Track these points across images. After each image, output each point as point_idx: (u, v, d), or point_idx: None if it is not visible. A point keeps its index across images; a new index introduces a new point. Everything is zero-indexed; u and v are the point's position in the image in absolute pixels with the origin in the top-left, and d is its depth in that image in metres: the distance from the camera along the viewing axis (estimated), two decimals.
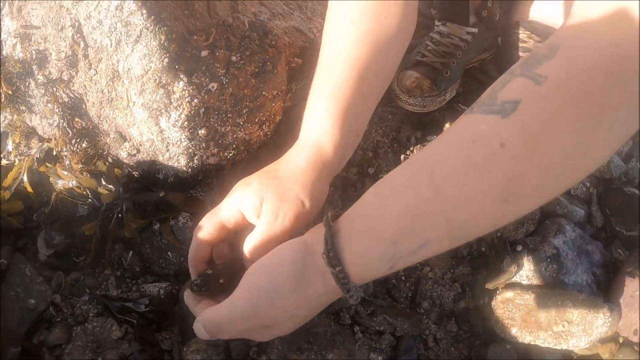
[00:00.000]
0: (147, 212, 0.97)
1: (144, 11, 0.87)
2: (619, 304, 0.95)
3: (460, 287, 1.01)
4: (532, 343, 0.91)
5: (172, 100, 0.91)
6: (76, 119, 1.08)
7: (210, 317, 0.61)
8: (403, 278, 1.04)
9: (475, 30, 1.04)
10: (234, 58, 0.95)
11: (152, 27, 0.87)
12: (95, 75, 1.00)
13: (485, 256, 1.02)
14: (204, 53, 0.91)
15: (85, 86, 1.03)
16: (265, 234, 0.67)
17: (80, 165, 1.00)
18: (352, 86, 0.68)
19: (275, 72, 0.99)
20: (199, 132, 0.95)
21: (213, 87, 0.92)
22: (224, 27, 0.96)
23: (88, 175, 0.99)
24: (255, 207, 0.69)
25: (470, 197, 0.46)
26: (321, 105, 0.71)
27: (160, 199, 0.98)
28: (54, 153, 1.09)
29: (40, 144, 1.15)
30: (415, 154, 0.60)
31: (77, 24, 0.98)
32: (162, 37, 0.87)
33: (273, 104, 1.01)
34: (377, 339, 0.91)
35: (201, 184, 1.00)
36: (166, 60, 0.88)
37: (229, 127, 0.97)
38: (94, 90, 1.02)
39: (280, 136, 1.06)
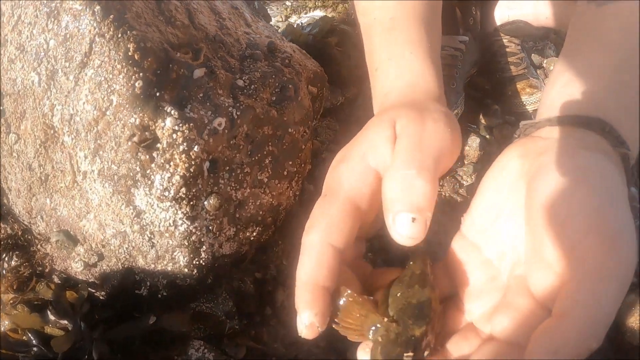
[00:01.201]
0: (134, 353, 0.67)
1: (97, 8, 0.51)
2: None
3: None
4: None
5: (156, 155, 0.53)
6: None
7: (576, 332, 0.31)
8: None
9: (466, 38, 1.02)
10: (240, 82, 0.60)
11: (111, 33, 0.51)
12: (16, 143, 0.61)
13: None
14: (198, 72, 0.55)
15: (3, 166, 0.64)
16: (417, 148, 0.40)
17: (11, 295, 0.70)
18: (424, 35, 0.56)
19: (299, 98, 0.64)
20: (205, 203, 0.56)
21: (220, 124, 0.55)
22: (215, 44, 0.61)
23: (26, 308, 0.68)
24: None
25: None
26: (402, 51, 0.54)
27: (150, 328, 0.66)
28: None
29: None
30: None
31: None
32: (131, 46, 0.51)
33: (303, 146, 0.64)
34: None
35: (205, 291, 0.62)
36: (140, 83, 0.51)
37: (248, 190, 0.60)
38: (18, 168, 0.63)
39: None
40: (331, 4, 1.05)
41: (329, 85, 0.95)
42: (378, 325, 0.38)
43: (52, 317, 0.67)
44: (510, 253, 0.40)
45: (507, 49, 1.08)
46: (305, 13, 0.98)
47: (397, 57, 0.53)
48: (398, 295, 0.40)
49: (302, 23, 1.01)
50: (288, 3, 1.07)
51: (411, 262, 0.43)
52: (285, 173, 0.62)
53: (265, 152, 0.60)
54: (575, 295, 0.32)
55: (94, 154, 0.56)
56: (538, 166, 0.38)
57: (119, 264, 0.62)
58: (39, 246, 0.68)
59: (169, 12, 0.59)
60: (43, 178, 0.61)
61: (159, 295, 0.64)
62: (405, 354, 0.37)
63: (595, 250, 0.33)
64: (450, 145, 0.40)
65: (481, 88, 1.11)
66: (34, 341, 0.65)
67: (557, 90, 0.46)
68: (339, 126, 0.94)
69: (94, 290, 0.68)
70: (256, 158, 0.59)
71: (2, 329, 0.69)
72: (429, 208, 0.37)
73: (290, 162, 0.62)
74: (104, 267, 0.63)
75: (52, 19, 0.55)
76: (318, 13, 1.00)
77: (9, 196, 0.67)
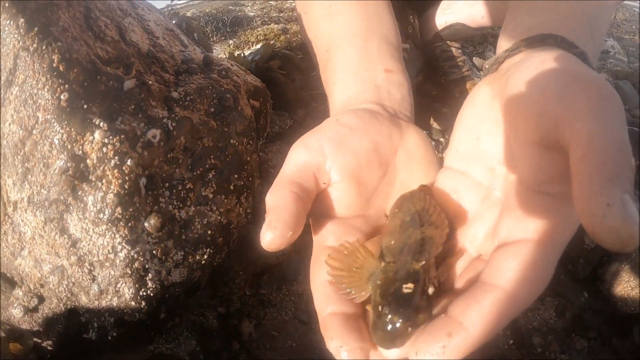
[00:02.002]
0: None
1: (21, 21, 0.49)
2: None
3: None
4: None
5: (86, 173, 0.49)
6: None
7: (602, 161, 0.28)
8: None
9: (407, 46, 1.04)
10: (175, 94, 0.57)
11: (35, 45, 0.49)
12: None
13: None
14: (128, 84, 0.52)
15: None
16: None
17: None
18: (357, 54, 0.55)
19: (239, 108, 0.61)
20: (145, 224, 0.52)
21: (154, 136, 0.52)
22: (148, 59, 0.59)
23: None
24: None
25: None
26: (334, 80, 0.53)
27: None
28: None
29: None
30: None
31: None
32: (55, 57, 0.48)
33: (248, 158, 0.61)
34: None
35: (162, 329, 0.56)
36: (65, 95, 0.48)
37: (193, 208, 0.56)
38: None
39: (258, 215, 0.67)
40: (273, 36, 1.05)
41: (276, 110, 0.91)
42: (376, 271, 0.36)
43: None
44: (499, 166, 0.39)
45: (449, 54, 1.10)
46: (249, 48, 0.97)
47: (332, 86, 0.53)
48: (392, 243, 0.37)
49: (244, 54, 1.02)
50: (231, 42, 1.07)
51: (396, 210, 0.40)
52: (231, 187, 0.58)
53: (207, 166, 0.56)
54: (584, 135, 0.29)
55: (23, 180, 0.51)
56: (509, 76, 0.38)
57: (61, 305, 0.56)
58: None
59: (98, 28, 0.57)
60: None
61: (109, 337, 0.58)
62: (404, 286, 0.33)
63: (584, 95, 0.31)
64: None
65: (429, 94, 1.13)
66: None
67: (509, 30, 0.48)
68: (289, 149, 0.92)
69: (40, 340, 0.62)
70: (198, 172, 0.55)
71: None
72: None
73: (236, 176, 0.58)
74: (46, 311, 0.57)
75: None
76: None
77: None
